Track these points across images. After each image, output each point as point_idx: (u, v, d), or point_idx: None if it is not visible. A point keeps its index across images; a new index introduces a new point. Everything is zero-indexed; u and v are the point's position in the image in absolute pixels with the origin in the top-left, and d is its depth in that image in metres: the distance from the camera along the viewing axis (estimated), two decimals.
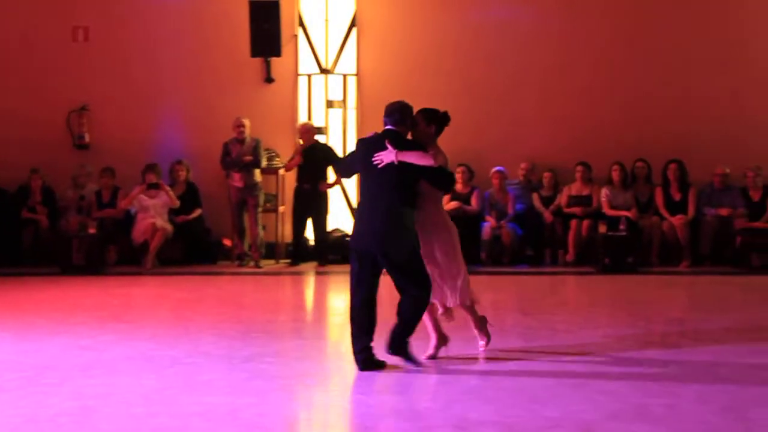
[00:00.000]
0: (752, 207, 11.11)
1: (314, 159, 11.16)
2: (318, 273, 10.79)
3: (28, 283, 9.79)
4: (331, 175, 11.34)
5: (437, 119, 6.16)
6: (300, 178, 11.26)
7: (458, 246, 5.97)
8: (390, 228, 5.59)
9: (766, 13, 11.75)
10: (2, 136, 11.65)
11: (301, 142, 11.26)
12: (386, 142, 5.74)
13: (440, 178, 5.83)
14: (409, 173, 5.67)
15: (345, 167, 6.44)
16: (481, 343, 6.11)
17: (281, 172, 11.55)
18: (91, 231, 10.76)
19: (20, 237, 11.18)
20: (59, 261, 10.68)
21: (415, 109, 6.22)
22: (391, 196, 5.65)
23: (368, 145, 5.88)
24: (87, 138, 11.90)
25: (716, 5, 11.79)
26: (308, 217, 11.27)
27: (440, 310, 5.94)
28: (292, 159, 11.29)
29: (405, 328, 5.69)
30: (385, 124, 5.94)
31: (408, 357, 5.68)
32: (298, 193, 11.28)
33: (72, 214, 11.24)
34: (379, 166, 5.69)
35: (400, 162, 5.65)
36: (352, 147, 11.90)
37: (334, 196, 11.93)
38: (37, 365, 5.70)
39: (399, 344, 5.67)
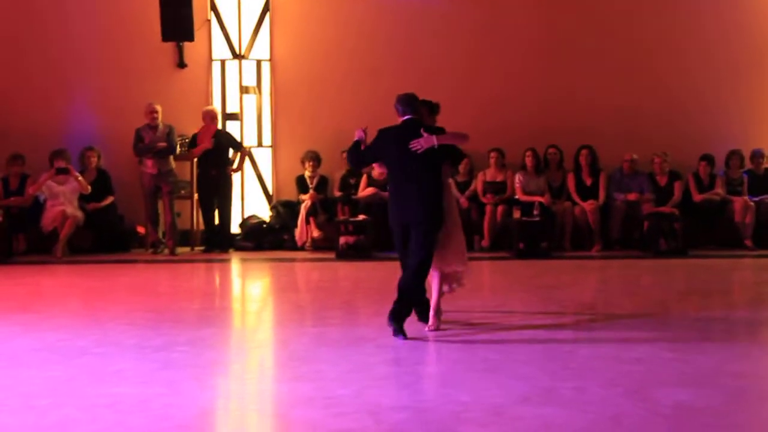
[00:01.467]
0: (659, 192, 11.40)
1: (218, 145, 11.06)
2: (229, 260, 10.66)
3: None
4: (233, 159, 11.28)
5: (436, 109, 6.85)
6: (205, 164, 11.11)
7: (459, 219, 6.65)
8: (433, 204, 6.28)
9: (667, 18, 12.03)
10: None
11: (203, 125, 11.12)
12: (422, 130, 6.33)
13: (458, 157, 6.83)
14: (441, 156, 6.34)
15: (366, 156, 6.68)
16: (430, 324, 6.31)
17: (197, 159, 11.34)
18: None
19: None
20: None
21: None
22: (431, 177, 6.31)
23: (398, 135, 6.40)
24: None
25: (623, 7, 12.01)
26: (215, 202, 11.16)
27: (446, 288, 6.49)
28: (201, 144, 11.10)
29: (407, 296, 6.15)
30: (403, 114, 6.48)
31: (402, 329, 6.05)
32: (204, 179, 11.13)
33: None
34: (419, 151, 6.23)
35: (438, 146, 6.27)
36: (266, 133, 11.85)
37: (248, 182, 11.83)
38: None
39: (400, 316, 6.10)
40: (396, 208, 6.35)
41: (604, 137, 11.64)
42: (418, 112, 6.53)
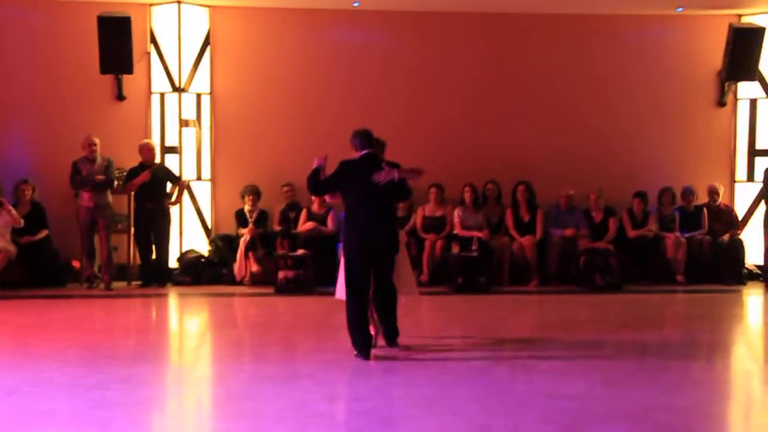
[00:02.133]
0: (594, 228, 11.60)
1: (154, 179, 10.95)
2: (167, 295, 10.51)
3: None
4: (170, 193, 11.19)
5: (383, 146, 7.42)
6: (142, 198, 10.98)
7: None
8: (391, 233, 6.93)
9: (593, 67, 12.31)
10: None
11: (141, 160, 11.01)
12: (384, 163, 6.91)
13: (407, 193, 7.37)
14: (395, 188, 6.91)
15: (327, 185, 7.12)
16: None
17: (132, 192, 11.18)
18: None
19: None
20: None
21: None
22: (389, 208, 7.01)
23: (359, 167, 6.93)
24: None
25: (555, 58, 12.29)
26: (152, 236, 11.02)
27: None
28: (137, 177, 10.96)
29: (394, 318, 6.93)
30: (362, 148, 7.02)
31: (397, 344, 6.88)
32: (141, 212, 10.99)
33: None
34: (381, 183, 6.78)
35: (393, 178, 6.83)
36: (206, 167, 11.77)
37: (187, 216, 11.72)
38: None
39: (394, 334, 6.92)
40: (357, 238, 6.83)
41: (542, 175, 11.83)
42: (374, 147, 7.08)
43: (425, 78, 12.16)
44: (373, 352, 6.64)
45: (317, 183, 7.05)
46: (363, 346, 6.65)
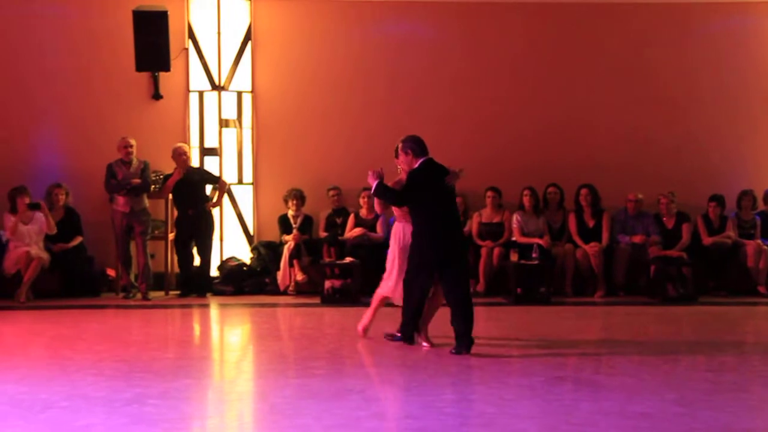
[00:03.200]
0: (666, 234, 11.47)
1: (192, 182, 11.07)
2: (207, 306, 10.64)
3: None
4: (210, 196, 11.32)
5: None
6: (181, 204, 11.12)
7: None
8: (464, 238, 8.11)
9: (682, 47, 12.22)
10: None
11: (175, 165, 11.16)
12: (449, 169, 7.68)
13: None
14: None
15: (412, 196, 7.61)
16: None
17: (170, 196, 11.35)
18: None
19: None
20: None
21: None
22: (458, 216, 7.89)
23: (433, 174, 7.59)
24: None
25: (634, 33, 12.19)
26: (193, 243, 11.16)
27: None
28: (170, 179, 11.11)
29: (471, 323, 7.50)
30: (422, 154, 7.65)
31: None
32: (182, 219, 11.13)
33: None
34: (453, 185, 7.69)
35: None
36: (247, 170, 11.89)
37: (228, 222, 11.85)
38: None
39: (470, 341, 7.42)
40: (434, 246, 7.41)
41: (607, 177, 11.73)
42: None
43: (477, 72, 12.16)
44: (425, 366, 6.65)
45: (400, 195, 7.58)
46: (409, 339, 7.62)
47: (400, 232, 7.81)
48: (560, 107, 12.17)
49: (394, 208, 7.91)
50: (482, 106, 12.12)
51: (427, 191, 7.53)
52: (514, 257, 10.96)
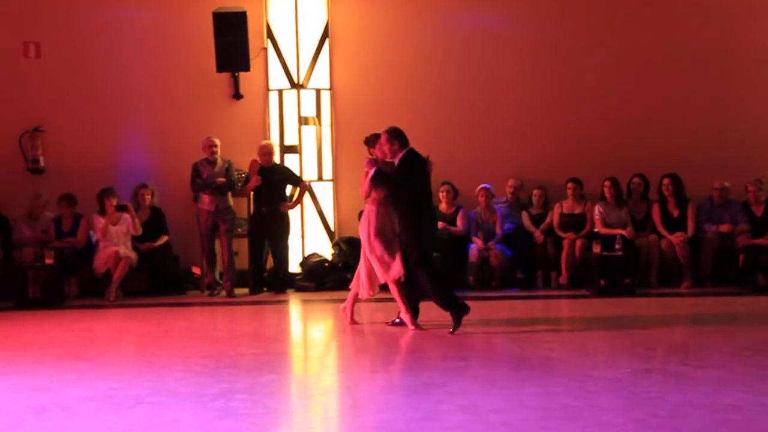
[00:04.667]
0: (755, 223, 11.17)
1: (272, 180, 11.16)
2: (288, 302, 10.74)
3: None
4: (294, 195, 11.39)
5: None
6: (257, 201, 11.24)
7: None
8: None
9: (760, 42, 11.87)
10: None
11: (258, 161, 11.25)
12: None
13: None
14: None
15: (412, 182, 8.10)
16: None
17: (252, 194, 11.49)
18: (49, 261, 10.64)
19: None
20: (14, 294, 10.56)
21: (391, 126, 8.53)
22: None
23: (423, 162, 8.17)
24: (42, 161, 11.83)
25: (714, 29, 11.91)
26: (267, 241, 11.26)
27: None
28: (250, 181, 11.25)
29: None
30: (406, 145, 8.17)
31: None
32: (256, 216, 11.25)
33: (27, 244, 11.13)
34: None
35: None
36: (327, 167, 11.97)
37: (309, 219, 11.93)
38: None
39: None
40: (432, 230, 8.29)
41: (691, 165, 11.49)
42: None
43: (562, 65, 12.04)
44: (508, 360, 6.60)
45: (398, 181, 7.98)
46: (462, 309, 7.98)
47: (373, 216, 8.21)
48: (642, 97, 11.97)
49: (373, 193, 8.19)
50: (563, 98, 11.99)
51: (421, 180, 8.08)
52: (596, 249, 10.80)
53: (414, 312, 8.33)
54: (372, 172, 8.10)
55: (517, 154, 11.95)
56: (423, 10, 12.07)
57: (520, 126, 12.04)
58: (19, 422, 5.30)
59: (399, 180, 8.02)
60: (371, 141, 8.44)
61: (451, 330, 8.00)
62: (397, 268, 8.13)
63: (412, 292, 8.30)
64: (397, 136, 8.18)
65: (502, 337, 8.11)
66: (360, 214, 11.66)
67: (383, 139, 8.22)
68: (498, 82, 12.00)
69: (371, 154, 8.40)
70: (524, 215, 11.61)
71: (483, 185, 11.52)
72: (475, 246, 11.26)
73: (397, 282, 8.22)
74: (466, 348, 7.47)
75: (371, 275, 8.31)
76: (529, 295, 10.84)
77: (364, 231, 8.32)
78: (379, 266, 8.22)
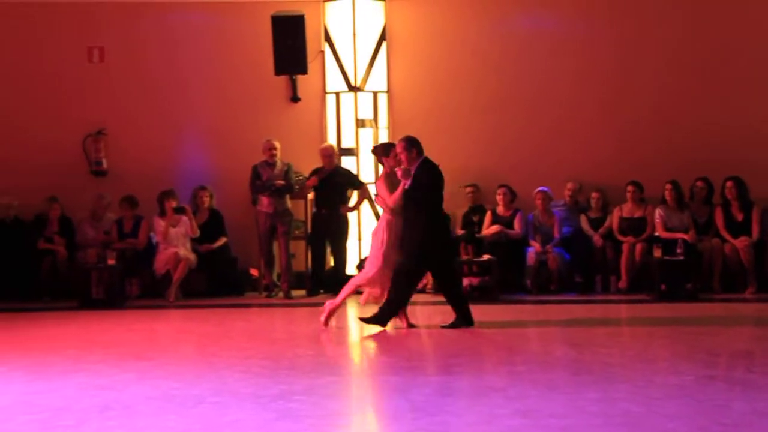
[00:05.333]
0: None
1: (333, 183, 11.21)
2: (346, 304, 10.77)
3: (44, 319, 9.89)
4: (352, 199, 11.43)
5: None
6: (318, 203, 11.31)
7: None
8: None
9: None
10: (16, 162, 11.82)
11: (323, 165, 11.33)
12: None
13: None
14: None
15: (438, 191, 8.38)
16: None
17: (310, 197, 11.59)
18: (111, 262, 10.82)
19: (37, 269, 11.26)
20: (77, 294, 10.77)
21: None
22: None
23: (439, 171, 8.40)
24: (105, 164, 12.04)
25: None
26: (327, 243, 11.32)
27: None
28: (308, 179, 11.33)
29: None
30: (422, 153, 8.31)
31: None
32: (316, 218, 11.32)
33: (90, 245, 11.34)
34: None
35: None
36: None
37: (366, 221, 11.96)
38: (51, 406, 5.73)
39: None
40: (444, 238, 8.52)
41: (755, 168, 11.27)
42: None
43: (619, 65, 11.92)
44: (567, 365, 6.55)
45: (430, 192, 8.21)
46: (384, 323, 8.33)
47: (391, 225, 8.27)
48: (704, 98, 11.79)
49: (391, 202, 8.23)
50: (626, 99, 11.87)
51: (441, 189, 8.35)
52: (657, 253, 10.65)
53: (465, 317, 8.47)
54: (408, 183, 8.14)
55: (576, 157, 11.85)
56: (479, 12, 12.04)
57: (578, 128, 11.94)
58: (84, 420, 5.41)
59: (431, 190, 8.18)
60: (382, 150, 8.47)
61: (363, 318, 8.48)
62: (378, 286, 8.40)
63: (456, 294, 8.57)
64: (415, 144, 8.23)
65: (561, 342, 8.05)
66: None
67: (400, 147, 8.24)
68: (556, 84, 11.92)
69: (382, 163, 8.44)
70: (583, 218, 11.51)
71: (541, 188, 11.45)
72: (533, 249, 11.19)
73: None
74: (524, 352, 7.43)
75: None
76: (587, 299, 10.74)
77: (378, 238, 8.35)
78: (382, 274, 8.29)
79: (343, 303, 8.75)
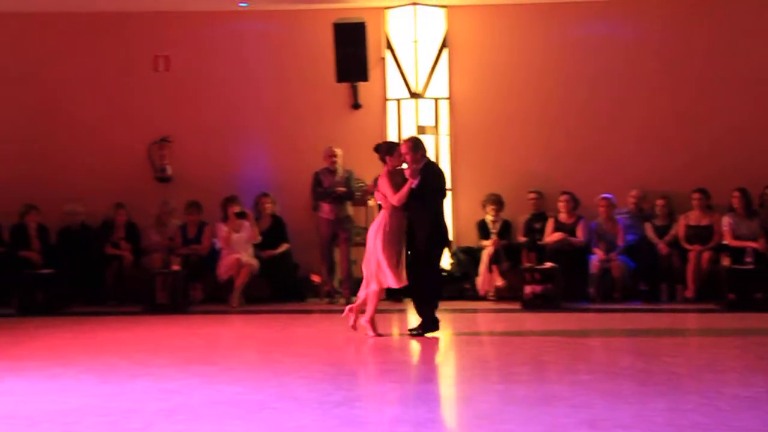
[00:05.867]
0: None
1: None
2: (406, 311, 10.75)
3: (111, 323, 10.06)
4: None
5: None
6: (380, 210, 11.30)
7: None
8: None
9: None
10: (83, 168, 12.06)
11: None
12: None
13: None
14: None
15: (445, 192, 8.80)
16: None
17: (371, 203, 11.62)
18: (175, 268, 10.97)
19: (104, 274, 11.47)
20: (142, 299, 10.94)
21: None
22: None
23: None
24: (169, 170, 12.21)
25: None
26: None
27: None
28: (369, 186, 11.34)
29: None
30: (425, 156, 8.55)
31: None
32: None
33: (156, 250, 11.50)
34: None
35: None
36: (445, 174, 11.95)
37: None
38: (120, 409, 5.83)
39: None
40: (446, 236, 8.74)
41: None
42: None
43: (679, 70, 11.78)
44: (634, 375, 6.46)
45: (440, 192, 8.60)
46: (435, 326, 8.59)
47: (390, 221, 8.43)
48: None
49: (397, 200, 8.35)
50: (688, 105, 11.70)
51: (445, 190, 8.82)
52: (725, 261, 10.46)
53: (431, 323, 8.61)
54: (416, 182, 8.29)
55: (640, 164, 11.71)
56: (546, 18, 11.96)
57: (643, 134, 11.79)
58: (151, 423, 5.49)
59: (440, 190, 8.50)
60: (386, 149, 8.57)
61: (412, 330, 8.64)
62: (400, 278, 8.42)
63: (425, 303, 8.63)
64: (420, 145, 8.47)
65: (627, 351, 7.95)
66: (479, 225, 11.68)
67: (406, 147, 8.45)
68: (625, 91, 11.79)
69: (384, 161, 8.54)
70: (647, 226, 11.36)
71: (604, 195, 11.33)
72: (596, 257, 11.07)
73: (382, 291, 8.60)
74: (589, 361, 7.35)
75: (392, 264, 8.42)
76: (653, 308, 10.58)
77: (378, 236, 8.44)
78: (390, 272, 8.37)
79: (374, 311, 8.68)
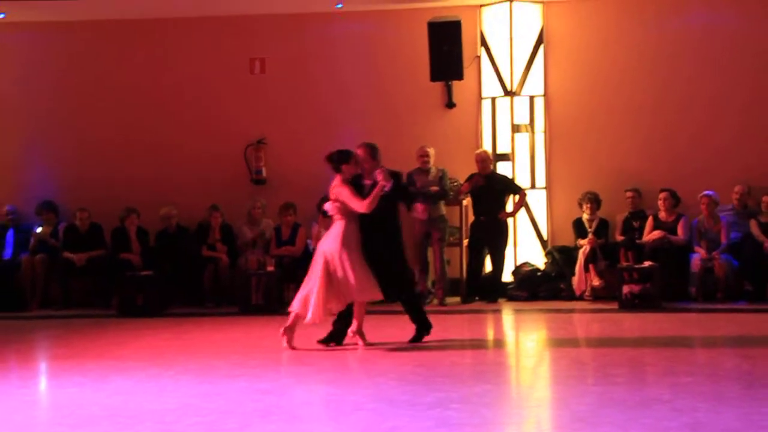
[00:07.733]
0: None
1: (491, 189, 11.13)
2: (500, 311, 10.69)
3: (208, 324, 10.24)
4: (508, 204, 11.31)
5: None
6: (476, 210, 11.26)
7: None
8: None
9: None
10: (179, 172, 12.32)
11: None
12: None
13: None
14: None
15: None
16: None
17: (465, 203, 11.56)
18: (270, 269, 11.11)
19: (200, 275, 11.70)
20: (238, 300, 11.11)
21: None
22: None
23: None
24: (264, 172, 12.37)
25: None
26: (486, 250, 11.24)
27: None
28: (463, 185, 11.31)
29: None
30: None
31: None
32: (475, 225, 11.28)
33: (251, 252, 11.67)
34: None
35: None
36: (540, 174, 11.84)
37: (521, 227, 11.84)
38: (216, 409, 5.93)
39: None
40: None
41: None
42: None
43: None
44: (739, 377, 6.27)
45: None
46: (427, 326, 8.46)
47: (346, 232, 8.07)
48: None
49: (354, 207, 8.00)
50: None
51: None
52: None
53: (340, 335, 8.30)
54: (389, 186, 7.96)
55: (743, 158, 11.37)
56: (645, 10, 11.71)
57: (746, 128, 11.45)
58: (247, 424, 5.57)
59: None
60: (339, 158, 8.17)
61: (411, 340, 8.37)
62: (374, 291, 8.02)
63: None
64: (377, 150, 8.30)
65: (731, 353, 7.73)
66: (575, 223, 11.51)
67: (365, 154, 8.20)
68: (725, 83, 11.47)
69: (339, 171, 8.16)
70: (753, 223, 11.01)
71: (706, 192, 11.04)
72: (698, 256, 10.79)
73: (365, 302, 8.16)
74: (691, 363, 7.17)
75: (327, 298, 7.96)
76: (758, 308, 10.25)
77: (333, 247, 8.03)
78: (354, 284, 7.91)
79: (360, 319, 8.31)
